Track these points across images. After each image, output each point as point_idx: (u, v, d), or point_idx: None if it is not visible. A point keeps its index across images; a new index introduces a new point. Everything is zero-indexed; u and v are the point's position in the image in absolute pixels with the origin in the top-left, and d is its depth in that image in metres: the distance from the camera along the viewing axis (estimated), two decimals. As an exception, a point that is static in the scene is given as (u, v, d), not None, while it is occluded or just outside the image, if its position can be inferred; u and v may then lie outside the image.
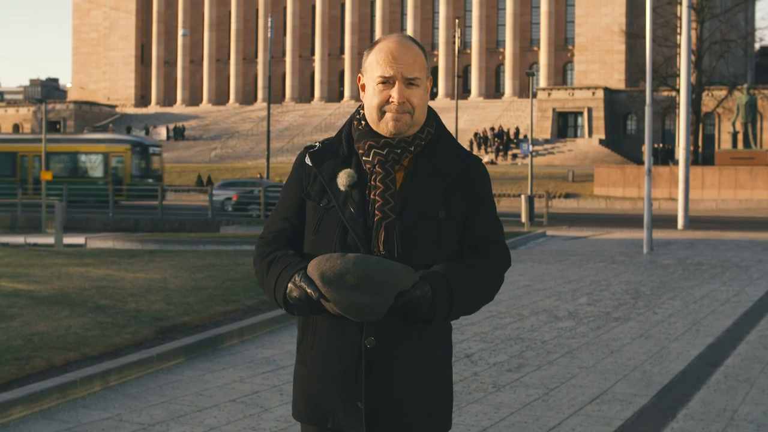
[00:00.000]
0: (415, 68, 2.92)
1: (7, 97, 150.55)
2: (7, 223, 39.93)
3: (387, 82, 2.91)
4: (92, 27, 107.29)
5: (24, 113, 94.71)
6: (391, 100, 2.90)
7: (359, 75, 3.02)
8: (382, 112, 2.92)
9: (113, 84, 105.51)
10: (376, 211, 2.87)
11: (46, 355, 7.74)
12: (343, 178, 2.92)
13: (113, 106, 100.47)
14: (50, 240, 28.08)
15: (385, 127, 2.92)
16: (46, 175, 41.73)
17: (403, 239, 2.87)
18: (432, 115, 3.04)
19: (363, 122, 3.00)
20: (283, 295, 2.85)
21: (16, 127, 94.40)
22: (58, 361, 7.69)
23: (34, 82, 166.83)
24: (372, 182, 2.91)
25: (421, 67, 2.94)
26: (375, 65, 2.93)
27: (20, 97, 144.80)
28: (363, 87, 3.00)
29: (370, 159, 2.93)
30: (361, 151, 2.95)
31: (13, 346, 7.96)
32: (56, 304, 10.32)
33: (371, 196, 2.89)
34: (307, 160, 3.01)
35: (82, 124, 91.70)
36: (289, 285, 2.83)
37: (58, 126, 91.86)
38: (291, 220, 3.02)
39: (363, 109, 3.02)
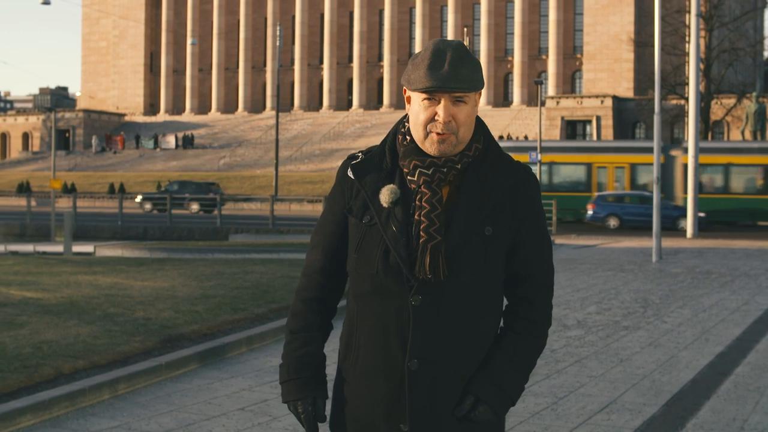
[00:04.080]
0: None
1: (17, 105, 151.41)
2: (16, 231, 40.07)
3: (433, 98, 2.76)
4: (101, 36, 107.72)
5: (33, 122, 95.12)
6: (436, 118, 2.76)
7: (404, 87, 2.87)
8: (427, 132, 2.79)
9: (122, 92, 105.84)
10: (421, 233, 2.76)
11: (55, 363, 7.75)
12: (386, 195, 2.81)
13: (122, 115, 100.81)
14: (59, 248, 28.16)
15: (430, 146, 2.79)
16: (55, 183, 41.74)
17: (449, 258, 2.76)
18: (480, 128, 2.89)
19: (408, 137, 2.86)
20: (282, 380, 2.97)
21: (26, 136, 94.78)
22: (67, 369, 7.70)
23: (43, 91, 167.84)
24: (417, 202, 2.80)
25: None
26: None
27: (30, 105, 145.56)
28: (408, 99, 2.86)
29: (416, 179, 2.81)
30: (406, 170, 2.84)
31: (21, 354, 7.97)
32: (65, 312, 10.33)
33: (416, 217, 2.78)
34: (350, 173, 2.90)
35: (91, 132, 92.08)
36: (288, 402, 2.95)
37: (67, 134, 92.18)
38: (332, 238, 2.94)
39: (408, 121, 2.90)
